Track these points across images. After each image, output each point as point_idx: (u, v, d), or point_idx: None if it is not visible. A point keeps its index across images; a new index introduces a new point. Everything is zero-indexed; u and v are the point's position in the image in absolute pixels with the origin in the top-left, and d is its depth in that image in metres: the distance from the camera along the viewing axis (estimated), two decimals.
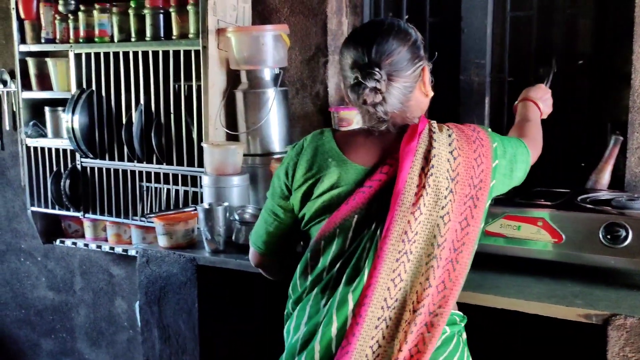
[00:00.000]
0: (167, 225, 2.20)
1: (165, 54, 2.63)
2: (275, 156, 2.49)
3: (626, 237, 1.69)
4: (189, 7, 2.55)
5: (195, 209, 2.25)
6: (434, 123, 1.45)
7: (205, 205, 2.20)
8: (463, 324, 1.51)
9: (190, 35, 2.56)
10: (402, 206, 1.34)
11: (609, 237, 1.70)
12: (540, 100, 1.85)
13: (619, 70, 2.20)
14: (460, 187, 1.38)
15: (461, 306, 1.53)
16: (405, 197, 1.35)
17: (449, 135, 1.41)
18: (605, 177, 2.13)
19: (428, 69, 1.47)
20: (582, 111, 2.36)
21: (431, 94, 1.50)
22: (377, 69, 1.37)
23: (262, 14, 2.69)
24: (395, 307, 1.33)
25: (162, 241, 2.22)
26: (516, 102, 1.90)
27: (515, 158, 1.51)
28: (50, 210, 3.10)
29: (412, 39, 1.43)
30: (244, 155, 2.48)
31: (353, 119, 2.47)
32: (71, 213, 3.04)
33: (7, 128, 3.43)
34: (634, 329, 1.53)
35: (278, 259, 1.65)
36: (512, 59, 2.44)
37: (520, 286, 1.76)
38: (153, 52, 2.66)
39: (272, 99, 2.49)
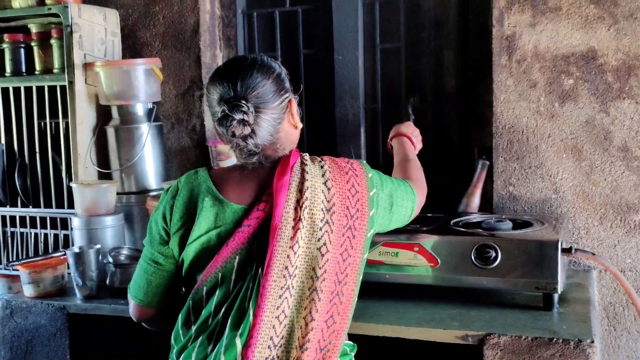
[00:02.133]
0: (34, 272, 2.05)
1: (28, 90, 2.48)
2: (152, 193, 2.41)
3: (496, 258, 1.76)
4: (53, 41, 2.43)
5: (65, 254, 2.11)
6: (306, 155, 1.45)
7: (75, 249, 2.07)
8: (353, 354, 1.51)
9: (55, 70, 2.44)
10: (280, 242, 1.33)
11: (480, 258, 1.77)
12: (413, 136, 1.90)
13: (483, 98, 2.33)
14: (337, 217, 1.39)
15: (349, 335, 1.52)
16: (283, 232, 1.34)
17: (322, 167, 1.42)
18: (475, 200, 2.23)
19: (295, 101, 1.48)
20: (451, 139, 2.47)
21: (300, 125, 1.50)
22: (243, 102, 1.37)
23: (132, 47, 2.62)
24: (282, 344, 1.32)
25: (28, 290, 2.06)
26: (389, 139, 1.94)
27: (395, 194, 1.53)
28: None
29: (276, 72, 1.44)
30: (118, 193, 2.38)
31: (231, 153, 2.44)
32: None
33: None
34: (507, 347, 1.59)
35: (162, 309, 1.54)
36: (384, 89, 2.51)
37: (400, 312, 1.79)
38: (14, 88, 2.50)
39: (146, 134, 2.40)
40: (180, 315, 1.42)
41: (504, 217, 2.01)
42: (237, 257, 1.36)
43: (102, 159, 2.45)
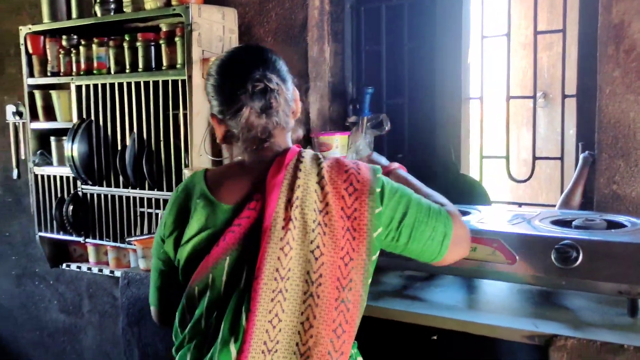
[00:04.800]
0: (145, 248, 2.27)
1: (155, 84, 2.74)
2: None
3: (576, 258, 1.67)
4: (177, 39, 2.66)
5: None
6: (306, 152, 1.41)
7: None
8: (355, 350, 1.45)
9: (178, 66, 2.67)
10: (271, 242, 1.28)
11: (559, 258, 1.70)
12: (394, 166, 1.67)
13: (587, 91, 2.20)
14: (332, 219, 1.31)
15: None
16: (274, 233, 1.29)
17: (319, 165, 1.37)
18: (576, 198, 2.13)
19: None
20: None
21: (298, 114, 1.49)
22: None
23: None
24: (277, 349, 1.27)
25: (142, 263, 2.30)
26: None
27: (416, 208, 1.39)
28: (56, 236, 3.23)
29: (281, 58, 1.45)
30: None
31: (333, 144, 2.53)
32: (74, 238, 3.16)
33: (23, 157, 3.60)
34: (574, 350, 1.52)
35: (169, 310, 1.51)
36: (487, 82, 2.45)
37: (469, 307, 1.77)
38: (144, 82, 2.77)
39: None
40: (177, 313, 1.41)
41: (599, 216, 1.89)
42: (228, 258, 1.32)
43: (215, 148, 2.65)
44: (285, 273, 1.28)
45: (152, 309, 1.56)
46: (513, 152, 2.61)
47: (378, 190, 1.36)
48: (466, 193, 2.44)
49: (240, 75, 1.37)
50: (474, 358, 1.70)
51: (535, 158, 2.40)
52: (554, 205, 2.23)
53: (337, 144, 2.53)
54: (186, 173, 2.48)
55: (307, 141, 2.63)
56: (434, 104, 2.57)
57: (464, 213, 1.96)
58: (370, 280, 1.36)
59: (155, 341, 2.27)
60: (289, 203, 1.31)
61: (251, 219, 1.32)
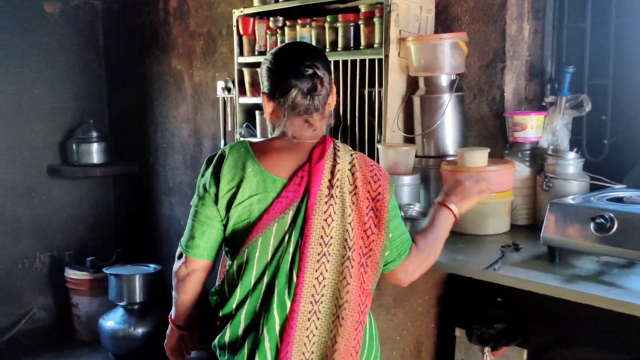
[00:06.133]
0: None
1: (353, 62, 2.88)
2: (448, 158, 2.60)
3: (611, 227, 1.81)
4: (375, 19, 2.77)
5: None
6: (338, 142, 1.70)
7: None
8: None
9: (375, 45, 2.78)
10: (316, 215, 1.59)
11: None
12: (458, 206, 1.89)
13: None
14: (359, 199, 1.63)
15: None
16: (319, 207, 1.59)
17: (351, 155, 1.68)
18: None
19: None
20: None
21: (333, 105, 1.76)
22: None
23: (444, 22, 2.81)
24: (322, 301, 1.59)
25: None
26: (437, 201, 1.92)
27: (398, 226, 1.73)
28: None
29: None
30: (418, 156, 2.63)
31: (527, 124, 2.49)
32: None
33: (230, 129, 3.97)
34: None
35: (212, 262, 1.75)
36: None
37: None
38: (343, 61, 2.92)
39: (447, 103, 2.60)
40: (225, 276, 1.66)
41: None
42: (275, 224, 1.59)
43: (408, 125, 2.73)
44: (328, 240, 1.59)
45: (197, 261, 1.71)
46: None
47: (393, 186, 1.72)
48: None
49: (294, 60, 1.66)
50: None
51: None
52: None
53: (532, 125, 2.48)
54: (379, 148, 2.59)
55: (500, 120, 2.62)
56: None
57: None
58: (386, 254, 1.68)
59: None
60: (330, 184, 1.61)
61: (297, 193, 1.60)
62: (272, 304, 1.58)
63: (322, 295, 1.59)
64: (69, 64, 4.80)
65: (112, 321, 4.14)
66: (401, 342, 2.54)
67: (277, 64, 1.69)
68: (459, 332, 2.55)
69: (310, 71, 1.64)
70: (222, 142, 4.00)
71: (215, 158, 1.70)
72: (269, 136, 1.77)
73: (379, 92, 2.75)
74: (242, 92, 3.55)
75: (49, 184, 4.75)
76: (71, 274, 4.54)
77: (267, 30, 3.35)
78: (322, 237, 1.58)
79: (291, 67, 1.65)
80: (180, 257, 1.76)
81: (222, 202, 1.64)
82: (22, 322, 4.63)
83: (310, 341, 1.58)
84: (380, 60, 2.74)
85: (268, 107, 1.72)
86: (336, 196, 1.61)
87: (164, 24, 4.37)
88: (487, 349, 2.38)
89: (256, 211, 1.61)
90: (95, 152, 4.71)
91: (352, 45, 2.91)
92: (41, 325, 4.72)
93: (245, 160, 1.64)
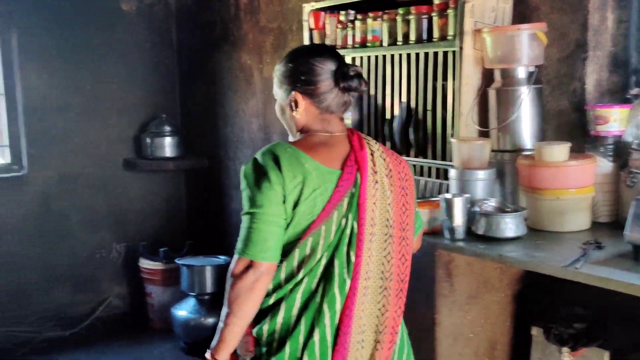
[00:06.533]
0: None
1: (426, 55, 2.84)
2: (524, 153, 2.53)
3: None
4: (449, 11, 2.72)
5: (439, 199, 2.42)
6: (363, 134, 1.84)
7: (447, 195, 2.35)
8: None
9: (449, 37, 2.73)
10: (367, 199, 1.72)
11: None
12: None
13: None
14: (393, 180, 1.78)
15: None
16: (369, 192, 1.72)
17: (375, 143, 1.82)
18: None
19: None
20: None
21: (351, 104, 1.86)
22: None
23: (522, 13, 2.73)
24: (371, 277, 1.73)
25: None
26: None
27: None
28: None
29: None
30: (493, 150, 2.57)
31: (610, 117, 2.40)
32: None
33: None
34: None
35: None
36: None
37: None
38: (415, 53, 2.89)
39: (524, 96, 2.52)
40: (285, 264, 1.69)
41: None
42: (336, 212, 1.69)
43: (482, 118, 2.67)
44: (375, 221, 1.73)
45: (267, 264, 1.65)
46: None
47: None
48: None
49: (336, 59, 1.76)
50: None
51: None
52: None
53: (616, 118, 2.39)
54: (453, 142, 2.54)
55: (580, 113, 2.52)
56: None
57: None
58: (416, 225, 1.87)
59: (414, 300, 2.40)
60: (373, 170, 1.74)
61: (349, 181, 1.71)
62: (332, 282, 1.69)
63: (371, 271, 1.73)
64: (144, 60, 4.93)
65: (184, 311, 4.24)
66: (474, 339, 2.49)
67: (315, 62, 1.75)
68: (535, 331, 2.48)
69: (354, 72, 1.75)
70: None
71: (267, 158, 1.68)
72: (291, 137, 1.83)
73: (453, 85, 2.70)
74: None
75: (124, 177, 4.91)
76: (145, 264, 4.68)
77: (338, 24, 3.34)
78: (372, 218, 1.72)
79: (333, 67, 1.75)
80: (239, 271, 1.66)
81: (290, 199, 1.66)
82: (100, 309, 4.80)
83: (364, 313, 1.72)
84: (453, 52, 2.69)
85: (302, 104, 1.76)
86: (377, 182, 1.75)
87: (235, 20, 4.43)
88: (565, 349, 2.31)
89: (319, 204, 1.69)
90: (167, 146, 4.83)
91: (425, 38, 2.87)
92: (117, 313, 4.88)
93: (299, 157, 1.69)
